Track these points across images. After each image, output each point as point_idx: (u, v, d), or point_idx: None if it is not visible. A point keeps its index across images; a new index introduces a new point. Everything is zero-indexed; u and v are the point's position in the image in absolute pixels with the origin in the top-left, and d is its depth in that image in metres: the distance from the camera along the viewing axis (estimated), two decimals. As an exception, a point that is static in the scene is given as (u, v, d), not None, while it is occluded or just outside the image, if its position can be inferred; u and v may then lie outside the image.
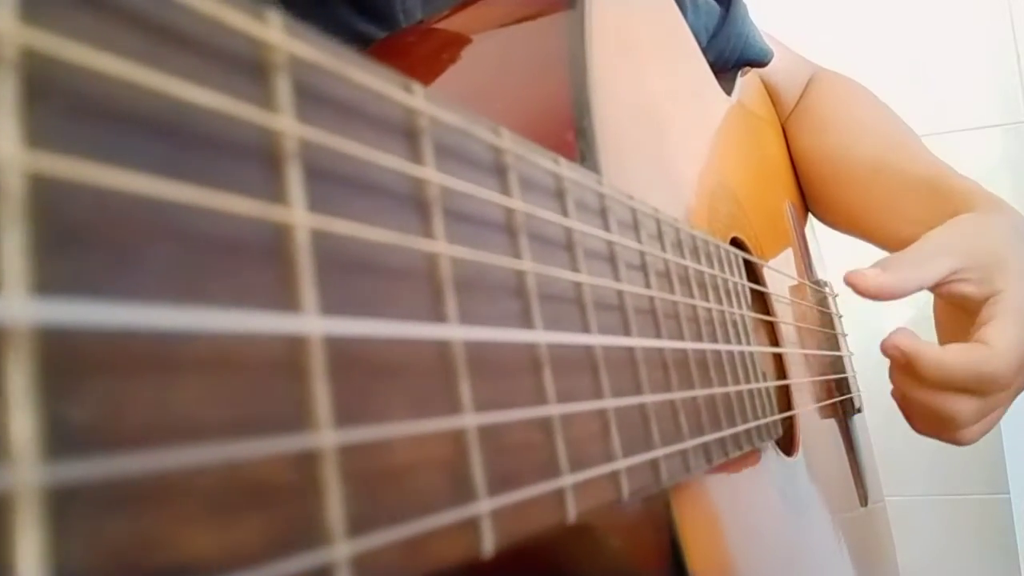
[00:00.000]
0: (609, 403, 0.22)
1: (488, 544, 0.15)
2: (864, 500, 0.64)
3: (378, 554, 0.12)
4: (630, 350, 0.24)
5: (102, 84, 0.10)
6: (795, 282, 0.60)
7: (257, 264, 0.12)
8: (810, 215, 0.74)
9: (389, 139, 0.16)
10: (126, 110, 0.10)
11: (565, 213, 0.22)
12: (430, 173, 0.16)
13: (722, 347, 0.32)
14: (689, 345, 0.29)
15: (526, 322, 0.19)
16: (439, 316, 0.16)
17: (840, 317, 0.72)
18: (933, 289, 0.54)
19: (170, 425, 0.10)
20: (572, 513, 0.19)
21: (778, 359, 0.50)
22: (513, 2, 0.37)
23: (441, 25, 0.38)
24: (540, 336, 0.19)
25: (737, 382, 0.33)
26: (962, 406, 0.50)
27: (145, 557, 0.09)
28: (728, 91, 0.59)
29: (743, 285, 0.39)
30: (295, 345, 0.12)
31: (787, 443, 0.47)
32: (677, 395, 0.27)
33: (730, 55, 0.61)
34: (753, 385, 0.36)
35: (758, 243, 0.52)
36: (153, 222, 0.10)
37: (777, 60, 0.67)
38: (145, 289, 0.10)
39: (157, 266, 0.10)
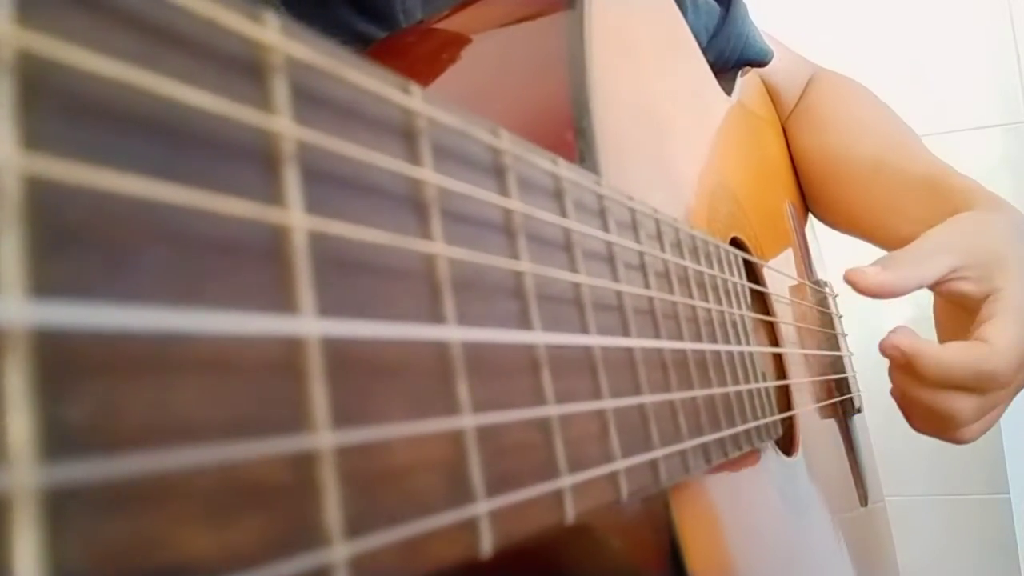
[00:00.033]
0: (608, 404, 0.22)
1: (486, 545, 0.15)
2: (864, 500, 0.64)
3: (376, 555, 0.13)
4: (629, 350, 0.24)
5: (99, 86, 0.10)
6: (795, 282, 0.60)
7: (254, 266, 0.12)
8: (810, 215, 0.74)
9: (387, 140, 0.16)
10: (123, 112, 0.10)
11: (564, 214, 0.22)
12: (428, 174, 0.16)
13: (721, 347, 0.32)
14: (688, 345, 0.29)
15: (524, 323, 0.19)
16: (437, 317, 0.16)
17: (840, 317, 0.72)
18: (933, 287, 0.54)
19: (167, 426, 0.10)
20: (571, 514, 0.19)
21: (778, 359, 0.50)
22: (512, 2, 0.37)
23: (440, 25, 0.38)
24: (538, 337, 0.19)
25: (736, 382, 0.33)
26: (962, 404, 0.50)
27: (142, 558, 0.09)
28: (728, 91, 0.59)
29: (743, 285, 0.39)
30: (292, 346, 0.12)
31: (787, 443, 0.47)
32: (676, 395, 0.27)
33: (730, 55, 0.61)
34: (752, 385, 0.36)
35: (758, 243, 0.52)
36: (150, 224, 0.10)
37: (777, 60, 0.67)
38: (142, 291, 0.10)
39: (154, 268, 0.10)
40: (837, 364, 0.64)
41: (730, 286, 0.36)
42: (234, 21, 0.12)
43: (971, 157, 1.28)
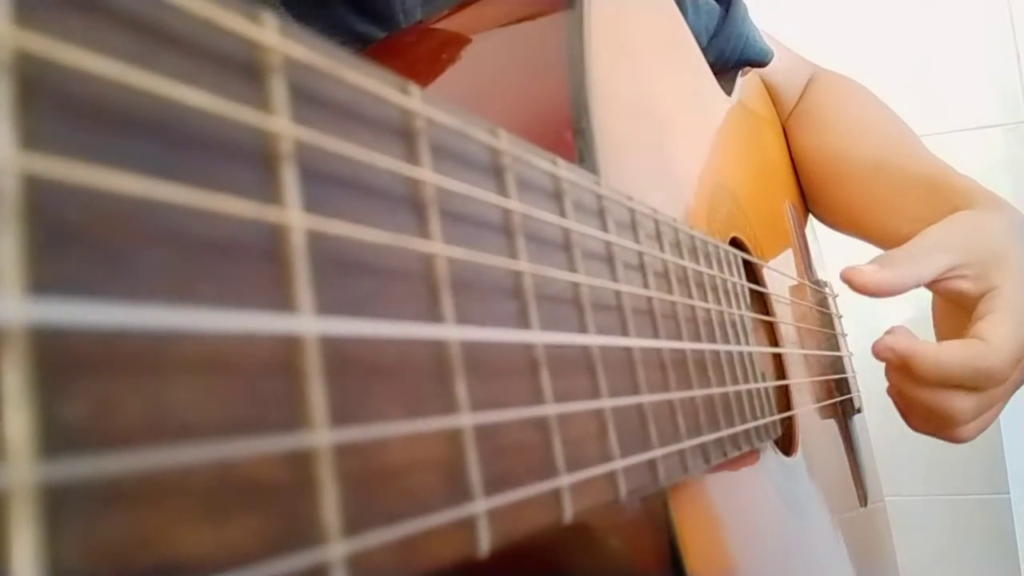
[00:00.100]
0: (606, 403, 0.22)
1: (484, 544, 0.15)
2: (864, 500, 0.64)
3: (373, 554, 0.13)
4: (628, 350, 0.24)
5: (97, 86, 0.10)
6: (795, 282, 0.60)
7: (252, 265, 0.12)
8: (810, 215, 0.74)
9: (385, 140, 0.16)
10: (121, 112, 0.10)
11: (563, 214, 0.22)
12: (426, 174, 0.16)
13: (720, 347, 0.32)
14: (687, 345, 0.29)
15: (523, 322, 0.19)
16: (435, 316, 0.16)
17: (840, 317, 0.72)
18: (930, 286, 0.54)
19: (165, 424, 0.10)
20: (569, 513, 0.19)
21: (778, 359, 0.50)
22: (512, 2, 0.37)
23: (440, 25, 0.38)
24: (537, 336, 0.19)
25: (736, 382, 0.34)
26: (960, 403, 0.50)
27: (139, 555, 0.09)
28: (728, 91, 0.59)
29: (742, 285, 0.39)
30: (291, 345, 0.12)
31: (786, 443, 0.48)
32: (675, 395, 0.27)
33: (730, 55, 0.61)
34: (752, 385, 0.36)
35: (758, 243, 0.52)
36: (148, 223, 0.10)
37: (777, 60, 0.67)
38: (140, 289, 0.10)
39: (152, 267, 0.10)
40: (837, 364, 0.64)
41: (729, 286, 0.36)
42: (232, 21, 0.12)
43: (971, 157, 1.28)
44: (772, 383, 0.40)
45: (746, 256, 0.42)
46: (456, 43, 0.37)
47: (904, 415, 0.53)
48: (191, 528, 0.10)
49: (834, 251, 0.78)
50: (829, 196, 0.70)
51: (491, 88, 0.34)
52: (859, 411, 0.68)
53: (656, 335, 0.26)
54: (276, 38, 0.13)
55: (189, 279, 0.11)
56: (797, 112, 0.73)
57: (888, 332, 0.50)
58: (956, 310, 0.55)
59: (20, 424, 0.08)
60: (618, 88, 0.35)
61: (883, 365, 0.52)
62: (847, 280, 0.50)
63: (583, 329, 0.22)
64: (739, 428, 0.33)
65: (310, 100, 0.14)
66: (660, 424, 0.25)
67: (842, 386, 0.64)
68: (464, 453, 0.15)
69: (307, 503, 0.12)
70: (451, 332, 0.16)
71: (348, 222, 0.14)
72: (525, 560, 0.24)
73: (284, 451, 0.11)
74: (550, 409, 0.19)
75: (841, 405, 0.63)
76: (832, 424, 0.61)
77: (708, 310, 0.32)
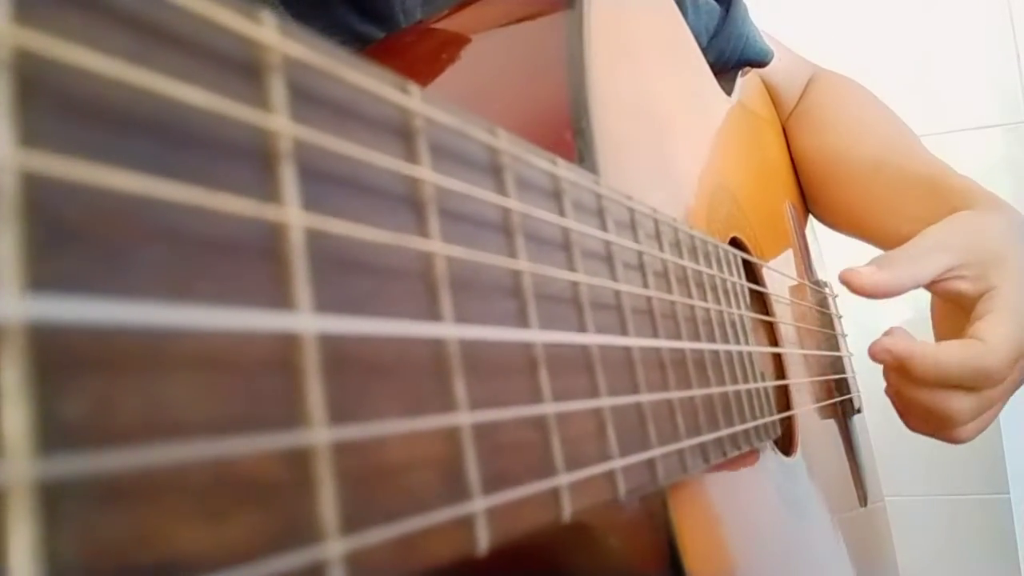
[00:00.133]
0: (605, 402, 0.22)
1: (482, 542, 0.15)
2: (863, 500, 0.65)
3: (371, 551, 0.13)
4: (627, 350, 0.24)
5: (96, 84, 0.10)
6: (795, 282, 0.60)
7: (251, 263, 0.12)
8: (810, 216, 0.74)
9: (385, 139, 0.16)
10: (119, 110, 0.10)
11: (562, 213, 0.22)
12: (425, 173, 0.16)
13: (720, 347, 0.33)
14: (687, 345, 0.29)
15: (522, 321, 0.19)
16: (434, 315, 0.16)
17: (840, 318, 0.72)
18: (929, 287, 0.54)
19: (163, 422, 0.10)
20: (567, 512, 0.19)
21: (777, 360, 0.50)
22: (512, 2, 0.37)
23: (440, 25, 0.38)
24: (536, 335, 0.19)
25: (735, 382, 0.34)
26: (958, 404, 0.50)
27: (137, 552, 0.09)
28: (728, 91, 0.59)
29: (742, 285, 0.39)
30: (289, 343, 0.12)
31: (786, 443, 0.48)
32: (674, 395, 0.27)
33: (730, 55, 0.61)
34: (751, 385, 0.36)
35: (757, 243, 0.52)
36: (146, 221, 0.10)
37: (777, 60, 0.67)
38: (138, 287, 0.10)
39: (150, 264, 0.10)
40: (837, 364, 0.64)
41: (729, 286, 0.36)
42: (231, 20, 0.12)
43: (971, 157, 1.28)
44: (772, 383, 0.40)
45: (746, 256, 0.42)
46: (456, 43, 0.37)
47: (902, 416, 0.53)
48: (189, 525, 0.10)
49: (834, 251, 0.78)
50: (829, 196, 0.70)
51: (491, 88, 0.34)
52: (859, 411, 0.68)
53: (655, 335, 0.26)
54: (275, 37, 0.13)
55: (188, 277, 0.11)
56: (797, 112, 0.73)
57: (886, 334, 0.50)
58: (955, 311, 0.55)
59: (18, 421, 0.08)
60: (618, 88, 0.35)
61: (882, 365, 0.52)
62: (845, 282, 0.50)
63: (582, 328, 0.22)
64: (738, 428, 0.33)
65: (309, 99, 0.14)
66: (659, 423, 0.25)
67: (842, 386, 0.64)
68: (463, 452, 0.15)
69: (305, 501, 0.12)
70: (450, 331, 0.16)
71: (347, 221, 0.14)
72: (524, 559, 0.24)
73: (282, 449, 0.11)
74: (549, 408, 0.19)
75: (841, 405, 0.63)
76: (832, 424, 0.61)
77: (707, 310, 0.32)
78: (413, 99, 0.16)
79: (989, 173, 1.28)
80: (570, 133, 0.30)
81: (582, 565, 0.27)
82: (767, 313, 0.50)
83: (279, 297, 0.12)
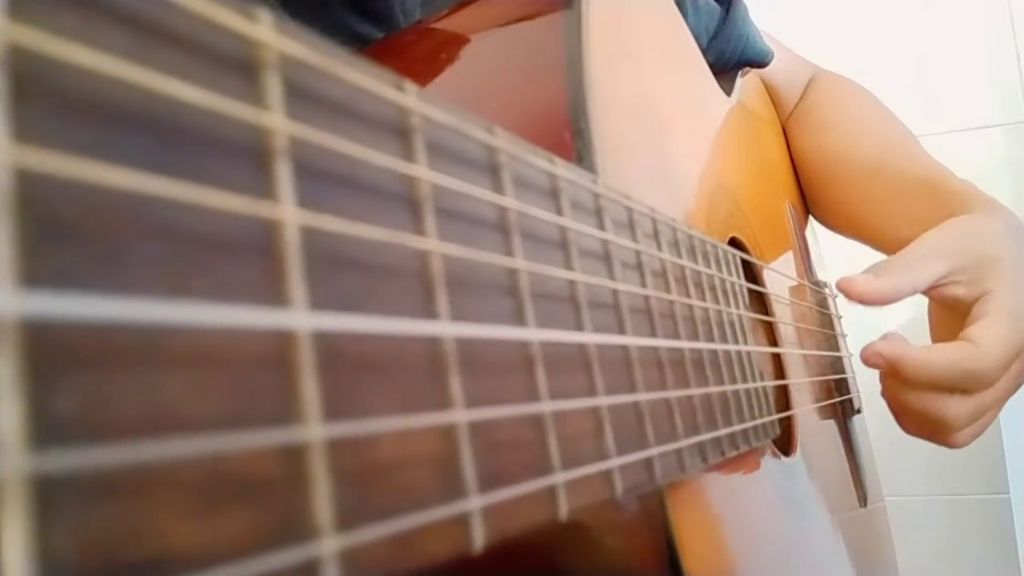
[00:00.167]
0: (602, 401, 0.22)
1: (478, 540, 0.15)
2: (863, 500, 0.64)
3: (366, 549, 0.13)
4: (624, 349, 0.24)
5: (90, 81, 0.10)
6: (794, 282, 0.60)
7: (245, 259, 0.12)
8: (811, 217, 0.74)
9: (381, 137, 0.16)
10: (114, 106, 0.10)
11: (559, 212, 0.22)
12: (422, 171, 0.16)
13: (718, 347, 0.33)
14: (685, 344, 0.29)
15: (518, 320, 0.19)
16: (430, 313, 0.16)
17: (840, 318, 0.72)
18: (926, 292, 0.54)
19: (157, 418, 0.10)
20: (564, 510, 0.19)
21: (777, 360, 0.50)
22: (510, 2, 0.37)
23: (439, 25, 0.38)
24: (532, 334, 0.19)
25: (733, 382, 0.34)
26: (952, 409, 0.50)
27: (130, 548, 0.09)
28: (728, 92, 0.59)
29: (740, 285, 0.39)
30: (283, 340, 0.12)
31: (785, 443, 0.48)
32: (672, 394, 0.27)
33: (730, 56, 0.61)
34: (750, 385, 0.36)
35: (757, 244, 0.52)
36: (141, 217, 0.10)
37: (777, 61, 0.67)
38: (132, 284, 0.10)
39: (145, 261, 0.10)
40: (837, 365, 0.64)
41: (728, 286, 0.36)
42: (227, 18, 0.12)
43: (971, 157, 1.28)
44: (771, 383, 0.40)
45: (745, 256, 0.42)
46: (454, 43, 0.37)
47: (898, 419, 0.53)
48: (182, 521, 0.10)
49: (834, 252, 0.78)
50: (828, 197, 0.70)
51: (489, 88, 0.34)
52: (859, 411, 0.68)
53: (653, 334, 0.26)
54: (271, 34, 0.13)
55: (182, 273, 0.11)
56: (797, 113, 0.73)
57: (881, 338, 0.50)
58: (951, 316, 0.55)
59: (11, 415, 0.08)
60: (617, 88, 0.35)
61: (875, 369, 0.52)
62: (842, 290, 0.50)
63: (579, 327, 0.22)
64: (737, 428, 0.33)
65: (305, 96, 0.14)
66: (657, 423, 0.25)
67: (842, 386, 0.64)
68: (458, 449, 0.15)
69: (299, 498, 0.12)
70: (446, 328, 0.16)
71: (342, 218, 0.14)
72: (521, 558, 0.24)
73: (276, 445, 0.11)
74: (545, 406, 0.19)
75: (841, 405, 0.63)
76: (832, 424, 0.61)
77: (706, 309, 0.32)
78: (410, 97, 0.16)
79: (989, 173, 1.28)
80: (568, 133, 0.30)
81: (580, 564, 0.27)
82: (767, 313, 0.50)
83: (274, 294, 0.12)
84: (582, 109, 0.30)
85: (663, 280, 0.29)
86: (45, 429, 0.09)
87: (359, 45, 0.41)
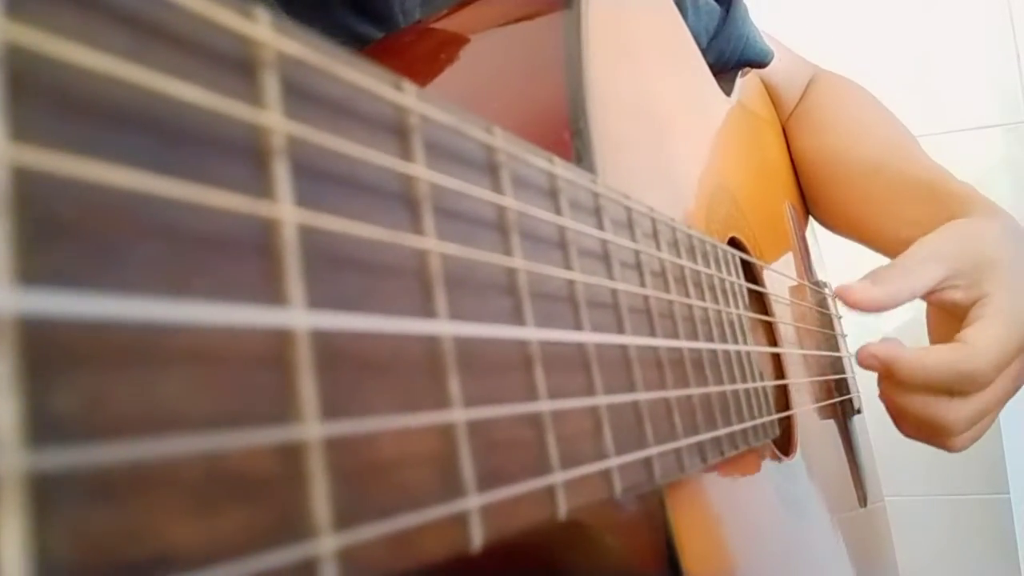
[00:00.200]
0: (601, 400, 0.22)
1: (476, 540, 0.15)
2: (863, 500, 0.64)
3: (364, 548, 0.13)
4: (623, 348, 0.24)
5: (88, 80, 0.10)
6: (794, 283, 0.60)
7: (244, 259, 0.12)
8: (811, 217, 0.74)
9: (379, 136, 0.16)
10: (112, 106, 0.10)
11: (558, 211, 0.22)
12: (420, 170, 0.16)
13: (718, 346, 0.33)
14: (684, 344, 0.29)
15: (517, 319, 0.19)
16: (429, 312, 0.16)
17: (840, 318, 0.72)
18: (924, 297, 0.54)
19: (155, 416, 0.10)
20: (563, 510, 0.19)
21: (777, 360, 0.50)
22: (510, 2, 0.37)
23: (438, 25, 0.38)
24: (531, 333, 0.19)
25: (733, 381, 0.34)
26: (950, 412, 0.50)
27: (128, 546, 0.09)
28: (728, 92, 0.59)
29: (740, 285, 0.39)
30: (282, 339, 0.12)
31: (785, 443, 0.48)
32: (672, 393, 0.27)
33: (730, 56, 0.61)
34: (749, 385, 0.36)
35: (757, 244, 0.52)
36: (139, 216, 0.10)
37: (777, 61, 0.67)
38: (131, 282, 0.10)
39: (143, 260, 0.10)
40: (837, 365, 0.64)
41: (727, 285, 0.36)
42: (225, 17, 0.12)
43: (971, 157, 1.28)
44: (770, 383, 0.40)
45: (744, 256, 0.42)
46: (454, 43, 0.37)
47: (896, 422, 0.53)
48: (180, 520, 0.10)
49: (834, 252, 0.78)
50: (828, 197, 0.70)
51: (489, 88, 0.34)
52: (859, 411, 0.68)
53: (652, 333, 0.26)
54: (269, 33, 0.13)
55: (180, 272, 0.11)
56: (797, 113, 0.73)
57: (872, 342, 0.50)
58: (949, 319, 0.55)
59: (9, 413, 0.08)
60: (616, 88, 0.35)
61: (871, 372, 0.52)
62: (840, 297, 0.50)
63: (578, 327, 0.22)
64: (736, 427, 0.33)
65: (303, 96, 0.14)
66: (656, 422, 0.25)
67: (842, 386, 0.64)
68: (457, 448, 0.15)
69: (297, 496, 0.12)
70: (444, 328, 0.16)
71: (341, 217, 0.14)
72: (519, 557, 0.24)
73: (274, 444, 0.11)
74: (544, 406, 0.19)
75: (841, 405, 0.63)
76: (832, 424, 0.61)
77: (705, 309, 0.32)
78: (408, 97, 0.16)
79: (989, 173, 1.28)
80: (568, 133, 0.30)
81: (579, 564, 0.27)
82: (766, 313, 0.50)
83: (272, 293, 0.12)
84: (581, 109, 0.30)
85: (662, 280, 0.29)
86: (43, 427, 0.09)
87: (359, 45, 0.41)
